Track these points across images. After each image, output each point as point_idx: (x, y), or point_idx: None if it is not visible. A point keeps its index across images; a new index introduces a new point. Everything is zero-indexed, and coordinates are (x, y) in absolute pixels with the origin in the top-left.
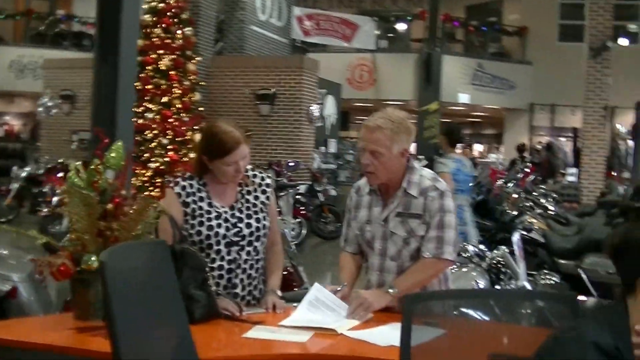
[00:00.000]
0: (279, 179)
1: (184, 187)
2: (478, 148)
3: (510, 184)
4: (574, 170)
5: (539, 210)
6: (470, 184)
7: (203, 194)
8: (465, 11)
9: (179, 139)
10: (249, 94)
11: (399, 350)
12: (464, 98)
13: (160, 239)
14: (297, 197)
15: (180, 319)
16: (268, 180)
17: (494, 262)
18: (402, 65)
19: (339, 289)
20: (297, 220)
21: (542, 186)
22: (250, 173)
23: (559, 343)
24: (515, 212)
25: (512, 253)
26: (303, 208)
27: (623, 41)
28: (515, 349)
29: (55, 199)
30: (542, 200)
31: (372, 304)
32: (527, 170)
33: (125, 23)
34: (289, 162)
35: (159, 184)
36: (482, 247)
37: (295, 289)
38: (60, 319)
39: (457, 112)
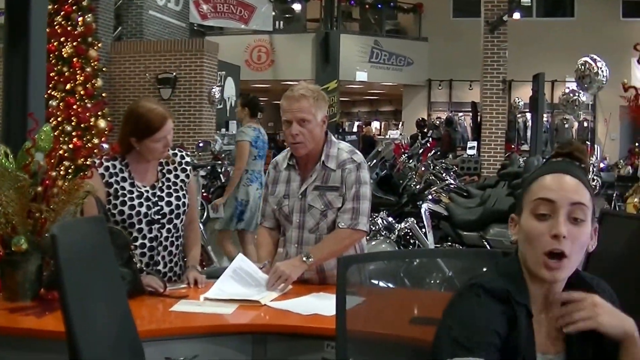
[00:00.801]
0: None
1: (107, 168)
2: (376, 125)
3: (412, 160)
4: (473, 144)
5: (440, 184)
6: (266, 148)
7: (125, 174)
8: None
9: (83, 125)
10: (150, 79)
11: (322, 318)
12: (361, 76)
13: (98, 215)
14: (200, 179)
15: (120, 292)
16: (187, 159)
17: (402, 233)
18: (299, 45)
19: (261, 267)
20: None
21: (443, 160)
22: (170, 152)
23: (458, 294)
24: (422, 185)
25: (420, 225)
26: (204, 190)
27: (517, 15)
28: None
29: None
30: (444, 174)
31: (289, 276)
32: (428, 145)
33: (34, 10)
34: (199, 143)
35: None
36: (390, 219)
37: (205, 268)
38: None
39: (355, 90)
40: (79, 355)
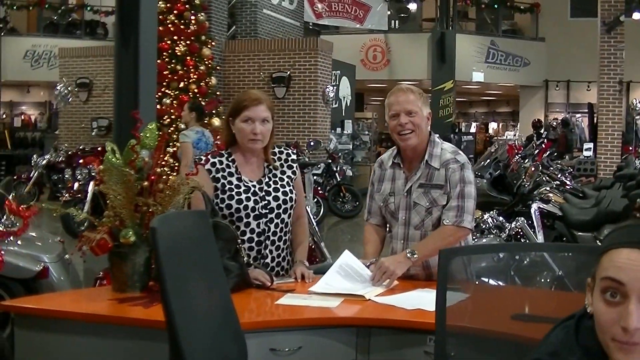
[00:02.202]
0: (299, 158)
1: (214, 164)
2: (493, 126)
3: (527, 160)
4: (590, 145)
5: (555, 184)
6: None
7: (232, 169)
8: None
9: None
10: (264, 77)
11: (425, 312)
12: (478, 76)
13: (201, 209)
14: (315, 177)
15: (222, 284)
16: (293, 156)
17: (513, 233)
18: (415, 45)
19: (368, 264)
20: (315, 199)
21: (559, 161)
22: (276, 150)
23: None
24: (532, 185)
25: (530, 225)
26: (320, 188)
27: (636, 15)
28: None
29: (76, 185)
30: (559, 175)
31: (394, 272)
32: (543, 145)
33: (143, 9)
34: (310, 142)
35: (177, 168)
36: (501, 218)
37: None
38: (99, 291)
39: (471, 91)
40: (179, 343)
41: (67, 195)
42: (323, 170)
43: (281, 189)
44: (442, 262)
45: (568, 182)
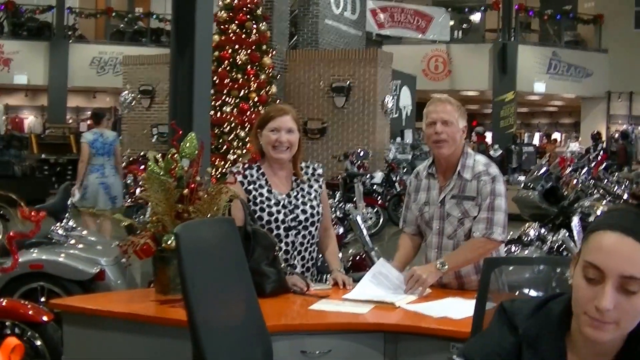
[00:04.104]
0: (347, 169)
1: (245, 176)
2: (556, 137)
3: (582, 172)
4: None
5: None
6: (112, 147)
7: (262, 182)
8: (539, 0)
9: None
10: (324, 87)
11: (451, 321)
12: (539, 87)
13: (228, 217)
14: (374, 187)
15: (248, 288)
16: (319, 171)
17: (555, 245)
18: (476, 55)
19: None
20: (374, 209)
21: (617, 174)
22: (303, 165)
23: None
24: (572, 197)
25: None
26: (380, 197)
27: None
28: None
29: (138, 190)
30: (615, 188)
31: (426, 280)
32: (599, 158)
33: (199, 19)
34: (359, 151)
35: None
36: (542, 230)
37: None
38: (143, 293)
39: (533, 102)
40: (200, 344)
41: (129, 200)
42: (382, 179)
43: (309, 203)
44: (485, 271)
45: (625, 195)
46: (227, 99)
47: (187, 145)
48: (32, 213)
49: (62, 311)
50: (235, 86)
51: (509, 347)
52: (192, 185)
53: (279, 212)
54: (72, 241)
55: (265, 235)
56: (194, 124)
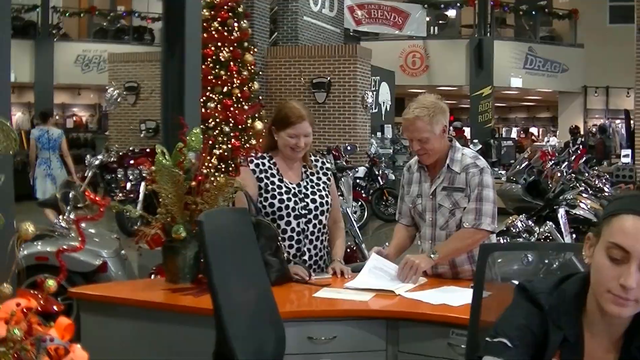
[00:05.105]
0: (337, 161)
1: (257, 165)
2: (533, 131)
3: (561, 165)
4: (628, 152)
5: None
6: (57, 142)
7: (274, 171)
8: None
9: (240, 126)
10: (305, 83)
11: (450, 307)
12: (516, 82)
13: (243, 207)
14: (357, 181)
15: (262, 276)
16: (328, 165)
17: (542, 237)
18: (453, 51)
19: (382, 248)
20: (359, 203)
21: (596, 168)
22: (312, 158)
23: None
24: (557, 190)
25: (558, 230)
26: (363, 192)
27: None
28: None
29: (128, 185)
30: (596, 182)
31: (418, 265)
32: (579, 152)
33: (189, 17)
34: (347, 146)
35: (223, 169)
36: (530, 222)
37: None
38: (153, 282)
39: (510, 96)
40: (225, 329)
41: (120, 194)
42: (365, 174)
43: (318, 193)
44: (481, 257)
45: (606, 189)
46: (210, 95)
47: (193, 138)
48: (98, 198)
49: (79, 299)
50: (219, 83)
51: (538, 321)
52: (199, 178)
53: (289, 199)
54: (74, 234)
55: (269, 226)
56: (186, 119)
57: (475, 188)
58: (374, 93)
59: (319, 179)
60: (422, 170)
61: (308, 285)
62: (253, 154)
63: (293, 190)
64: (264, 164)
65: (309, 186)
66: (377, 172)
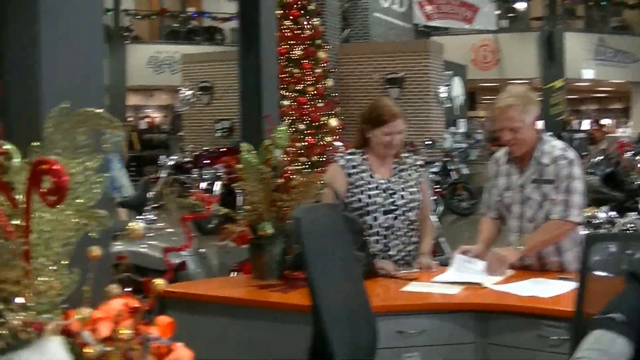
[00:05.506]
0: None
1: (347, 160)
2: (606, 123)
3: (638, 156)
4: None
5: None
6: None
7: (365, 167)
8: None
9: (315, 123)
10: (379, 79)
11: (539, 299)
12: (588, 74)
13: (334, 203)
14: (432, 175)
15: (355, 271)
16: (419, 162)
17: (624, 228)
18: (524, 44)
19: (468, 248)
20: (434, 198)
21: None
22: (404, 155)
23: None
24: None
25: None
26: (437, 186)
27: None
28: None
29: (204, 184)
30: None
31: (505, 257)
32: None
33: (264, 16)
34: (426, 141)
35: (300, 165)
36: (612, 214)
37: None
38: (240, 279)
39: (582, 88)
40: (323, 323)
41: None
42: (440, 168)
43: (408, 189)
44: (586, 246)
45: None
46: (284, 93)
47: (280, 136)
48: (205, 197)
49: (166, 297)
50: (292, 80)
51: None
52: (286, 175)
53: (377, 195)
54: (152, 233)
55: (355, 221)
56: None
57: (564, 179)
58: (447, 88)
59: (409, 175)
60: (511, 162)
61: (394, 280)
62: (343, 151)
63: (382, 186)
64: (354, 160)
65: (399, 182)
66: (451, 167)
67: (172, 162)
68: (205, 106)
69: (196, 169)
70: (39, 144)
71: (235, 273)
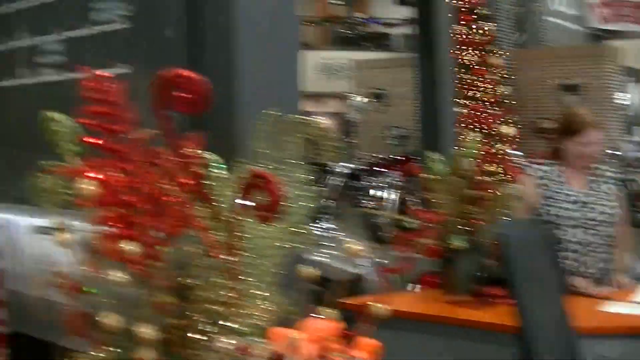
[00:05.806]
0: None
1: (541, 171)
2: None
3: None
4: None
5: None
6: None
7: (561, 179)
8: None
9: (491, 131)
10: (554, 85)
11: None
12: None
13: (534, 217)
14: None
15: (555, 288)
16: (611, 173)
17: None
18: None
19: None
20: None
21: None
22: (599, 166)
23: None
24: None
25: None
26: None
27: None
28: None
29: (379, 193)
30: None
31: None
32: None
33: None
34: (615, 152)
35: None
36: None
37: None
38: (429, 294)
39: None
40: (531, 347)
41: (370, 203)
42: (619, 179)
43: (606, 203)
44: None
45: None
46: (458, 100)
47: (470, 145)
48: (421, 213)
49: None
50: (466, 87)
51: None
52: (479, 186)
53: (573, 209)
54: (331, 243)
55: (551, 235)
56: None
57: None
58: (627, 94)
59: (608, 188)
60: None
61: (589, 298)
62: (537, 161)
63: (578, 200)
64: (550, 172)
65: (595, 195)
66: (630, 177)
67: (348, 171)
68: (378, 113)
69: (371, 177)
70: (245, 154)
71: (414, 285)
